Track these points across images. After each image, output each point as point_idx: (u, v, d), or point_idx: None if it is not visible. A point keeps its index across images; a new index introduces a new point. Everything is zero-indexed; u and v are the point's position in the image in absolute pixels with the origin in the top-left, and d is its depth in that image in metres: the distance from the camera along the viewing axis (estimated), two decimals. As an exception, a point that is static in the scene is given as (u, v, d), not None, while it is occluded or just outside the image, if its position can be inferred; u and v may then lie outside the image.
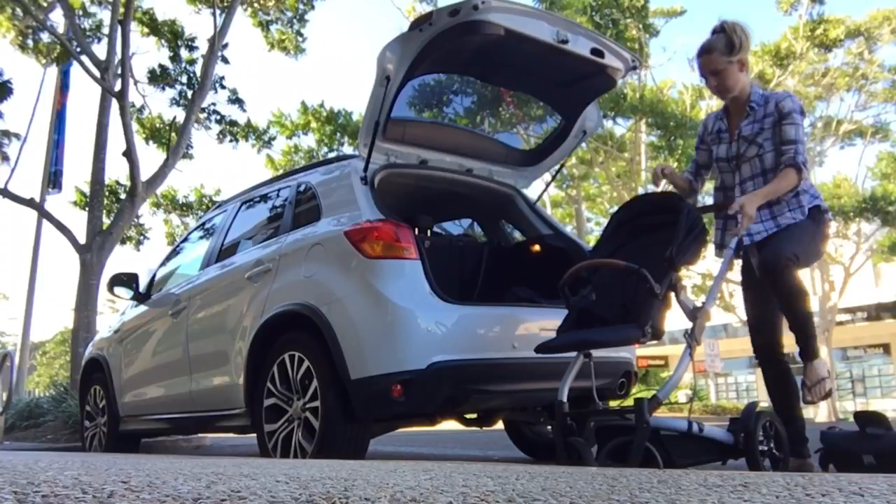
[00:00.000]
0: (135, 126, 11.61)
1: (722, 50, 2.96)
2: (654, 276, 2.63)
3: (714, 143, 3.19)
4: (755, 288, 3.04)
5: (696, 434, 2.66)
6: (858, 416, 3.14)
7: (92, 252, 9.55)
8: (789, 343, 3.02)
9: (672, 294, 2.75)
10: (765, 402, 3.42)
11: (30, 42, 12.08)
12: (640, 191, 20.39)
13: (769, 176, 2.96)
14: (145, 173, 10.15)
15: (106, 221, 10.56)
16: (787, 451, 2.89)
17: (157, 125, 12.76)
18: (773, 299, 2.93)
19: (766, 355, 3.05)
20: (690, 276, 23.63)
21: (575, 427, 2.77)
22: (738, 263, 3.15)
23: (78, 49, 10.48)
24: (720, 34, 2.99)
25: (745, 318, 3.18)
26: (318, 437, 3.11)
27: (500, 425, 4.17)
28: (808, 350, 2.83)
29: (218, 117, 13.22)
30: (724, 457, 2.85)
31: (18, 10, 11.38)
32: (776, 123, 2.95)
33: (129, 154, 9.73)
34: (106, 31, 11.18)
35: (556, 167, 4.59)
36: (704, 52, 3.02)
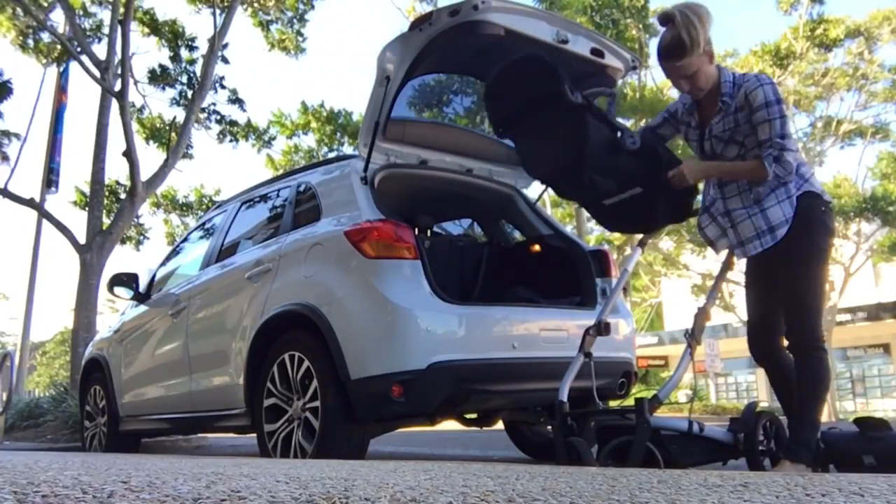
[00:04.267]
0: (135, 126, 11.61)
1: (687, 51, 2.57)
2: None
3: (686, 136, 2.90)
4: (758, 286, 2.94)
5: (696, 434, 2.67)
6: (859, 422, 3.13)
7: (92, 252, 9.55)
8: None
9: None
10: (765, 402, 3.41)
11: (30, 42, 12.08)
12: (640, 191, 20.37)
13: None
14: (145, 173, 10.16)
15: (106, 221, 10.56)
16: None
17: (157, 125, 12.77)
18: (777, 300, 2.81)
19: (765, 355, 2.96)
20: (690, 276, 23.69)
21: (575, 427, 2.77)
22: (740, 263, 3.09)
23: (78, 49, 10.48)
24: (674, 32, 2.58)
25: (745, 318, 3.11)
26: (318, 437, 3.10)
27: (500, 425, 4.17)
28: (795, 434, 2.66)
29: (218, 117, 13.22)
30: (724, 457, 2.85)
31: (18, 10, 11.38)
32: (751, 116, 2.61)
33: (129, 154, 9.73)
34: (106, 31, 11.18)
35: (557, 167, 4.58)
36: (669, 58, 2.63)
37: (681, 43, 2.56)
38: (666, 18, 2.59)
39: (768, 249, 2.68)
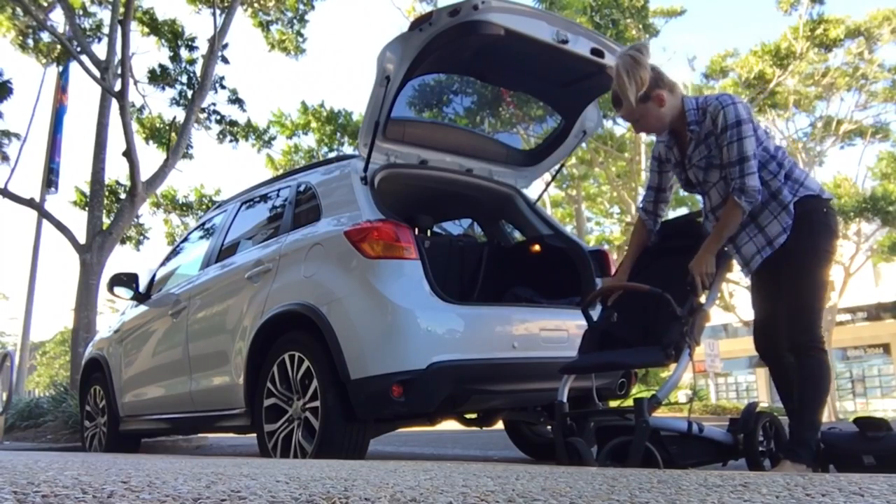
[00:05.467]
0: (135, 126, 11.61)
1: (621, 103, 2.71)
2: (675, 299, 2.64)
3: (672, 171, 2.96)
4: (762, 288, 2.96)
5: (696, 434, 2.67)
6: (859, 422, 3.14)
7: (92, 252, 9.55)
8: None
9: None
10: (765, 402, 3.43)
11: (30, 42, 12.08)
12: (640, 191, 20.40)
13: None
14: (145, 173, 10.16)
15: (106, 221, 10.55)
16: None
17: (157, 125, 12.76)
18: (781, 300, 2.83)
19: (770, 354, 3.00)
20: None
21: (575, 427, 2.77)
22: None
23: (78, 49, 10.48)
24: (613, 86, 2.72)
25: (745, 318, 3.14)
26: (318, 437, 3.11)
27: (500, 425, 4.17)
28: (795, 434, 2.64)
29: (218, 117, 13.22)
30: (724, 457, 2.86)
31: (18, 10, 11.38)
32: (717, 141, 2.67)
33: (129, 154, 9.72)
34: (106, 30, 11.17)
35: (556, 167, 4.59)
36: (615, 106, 2.78)
37: (615, 97, 2.73)
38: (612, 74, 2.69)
39: (769, 256, 2.71)
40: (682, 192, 3.13)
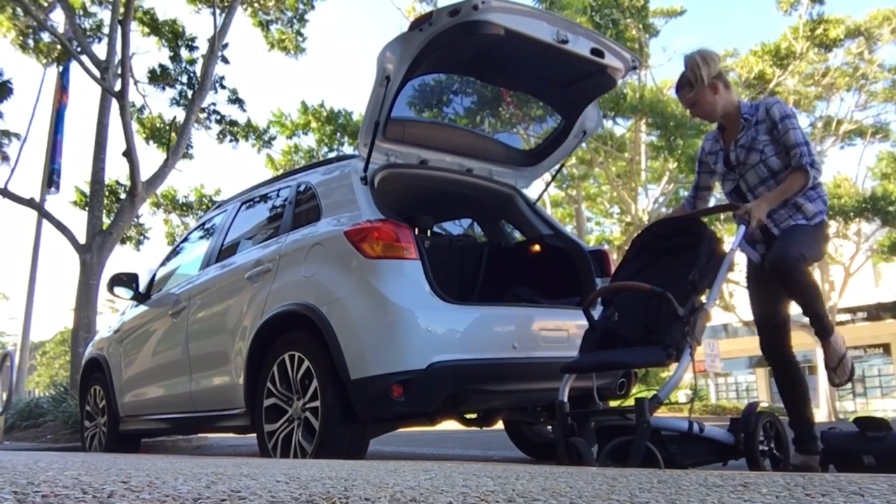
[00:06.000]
0: (135, 126, 11.60)
1: (686, 86, 3.15)
2: (676, 298, 2.65)
3: (714, 162, 3.27)
4: (761, 288, 3.08)
5: (696, 434, 2.67)
6: (859, 422, 3.14)
7: (92, 252, 9.55)
8: (797, 343, 3.06)
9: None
10: (765, 402, 3.45)
11: (30, 42, 12.06)
12: (640, 191, 20.41)
13: (779, 177, 3.00)
14: (145, 173, 10.15)
15: (106, 221, 10.55)
16: (787, 451, 2.90)
17: (157, 125, 12.76)
18: (779, 299, 3.00)
19: (775, 355, 3.10)
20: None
21: (575, 427, 2.77)
22: (738, 265, 3.18)
23: (78, 49, 10.47)
24: (683, 72, 3.16)
25: (745, 318, 3.22)
26: (318, 437, 3.10)
27: (500, 425, 4.17)
28: (822, 329, 2.89)
29: (218, 117, 13.21)
30: (724, 457, 2.86)
31: (18, 10, 11.37)
32: (771, 130, 3.02)
33: (129, 154, 9.72)
34: (106, 31, 11.17)
35: (556, 167, 4.59)
36: (677, 91, 3.24)
37: (682, 80, 3.17)
38: (684, 63, 3.18)
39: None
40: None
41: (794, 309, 3.05)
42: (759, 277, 3.04)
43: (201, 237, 4.82)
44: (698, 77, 3.10)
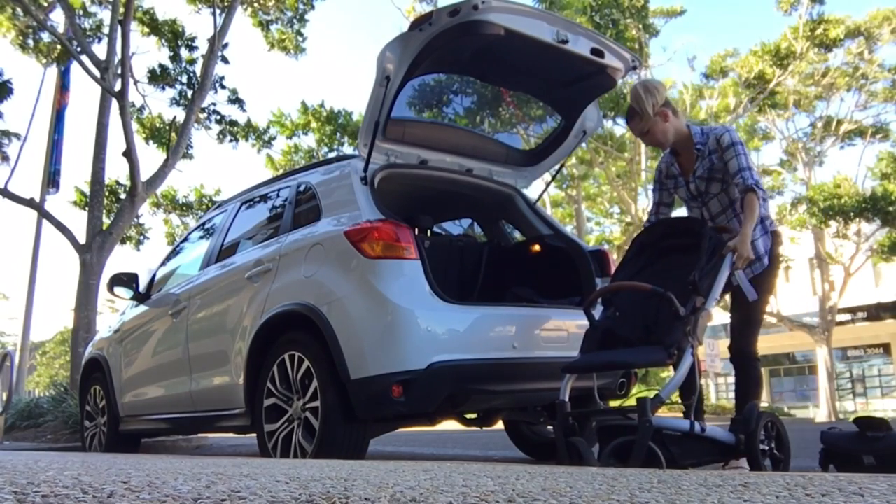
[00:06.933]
0: (135, 126, 11.60)
1: (635, 117, 3.26)
2: (677, 298, 2.65)
3: (673, 187, 3.40)
4: (738, 298, 3.17)
5: (698, 434, 2.66)
6: (859, 421, 3.14)
7: (92, 252, 9.55)
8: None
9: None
10: (765, 402, 3.49)
11: (30, 42, 12.06)
12: (640, 191, 20.40)
13: (736, 206, 3.15)
14: (145, 173, 10.15)
15: (106, 221, 10.55)
16: (788, 451, 2.90)
17: (157, 125, 12.76)
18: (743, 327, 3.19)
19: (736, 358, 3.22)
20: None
21: (576, 427, 2.77)
22: None
23: (78, 49, 10.47)
24: (630, 104, 3.29)
25: None
26: (318, 437, 3.10)
27: (500, 425, 4.17)
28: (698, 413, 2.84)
29: (218, 117, 13.21)
30: (725, 457, 2.86)
31: (18, 10, 11.37)
32: (721, 157, 3.16)
33: (129, 154, 9.72)
34: (106, 31, 11.16)
35: (556, 167, 4.59)
36: (627, 122, 3.38)
37: (630, 111, 3.29)
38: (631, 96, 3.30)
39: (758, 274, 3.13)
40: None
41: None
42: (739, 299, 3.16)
43: (201, 237, 4.82)
44: (644, 109, 3.21)
